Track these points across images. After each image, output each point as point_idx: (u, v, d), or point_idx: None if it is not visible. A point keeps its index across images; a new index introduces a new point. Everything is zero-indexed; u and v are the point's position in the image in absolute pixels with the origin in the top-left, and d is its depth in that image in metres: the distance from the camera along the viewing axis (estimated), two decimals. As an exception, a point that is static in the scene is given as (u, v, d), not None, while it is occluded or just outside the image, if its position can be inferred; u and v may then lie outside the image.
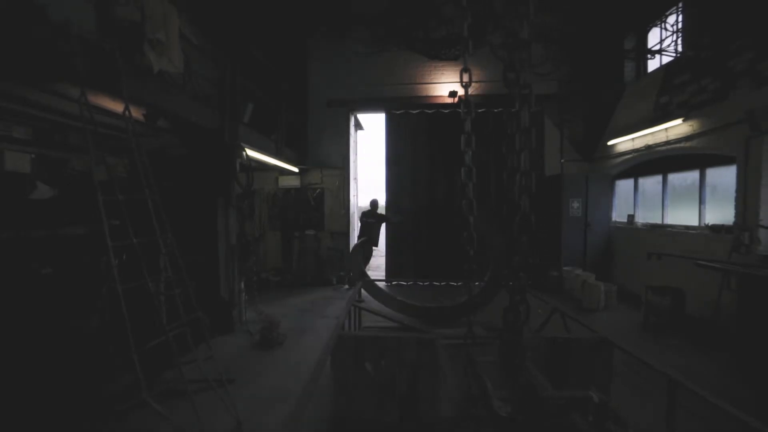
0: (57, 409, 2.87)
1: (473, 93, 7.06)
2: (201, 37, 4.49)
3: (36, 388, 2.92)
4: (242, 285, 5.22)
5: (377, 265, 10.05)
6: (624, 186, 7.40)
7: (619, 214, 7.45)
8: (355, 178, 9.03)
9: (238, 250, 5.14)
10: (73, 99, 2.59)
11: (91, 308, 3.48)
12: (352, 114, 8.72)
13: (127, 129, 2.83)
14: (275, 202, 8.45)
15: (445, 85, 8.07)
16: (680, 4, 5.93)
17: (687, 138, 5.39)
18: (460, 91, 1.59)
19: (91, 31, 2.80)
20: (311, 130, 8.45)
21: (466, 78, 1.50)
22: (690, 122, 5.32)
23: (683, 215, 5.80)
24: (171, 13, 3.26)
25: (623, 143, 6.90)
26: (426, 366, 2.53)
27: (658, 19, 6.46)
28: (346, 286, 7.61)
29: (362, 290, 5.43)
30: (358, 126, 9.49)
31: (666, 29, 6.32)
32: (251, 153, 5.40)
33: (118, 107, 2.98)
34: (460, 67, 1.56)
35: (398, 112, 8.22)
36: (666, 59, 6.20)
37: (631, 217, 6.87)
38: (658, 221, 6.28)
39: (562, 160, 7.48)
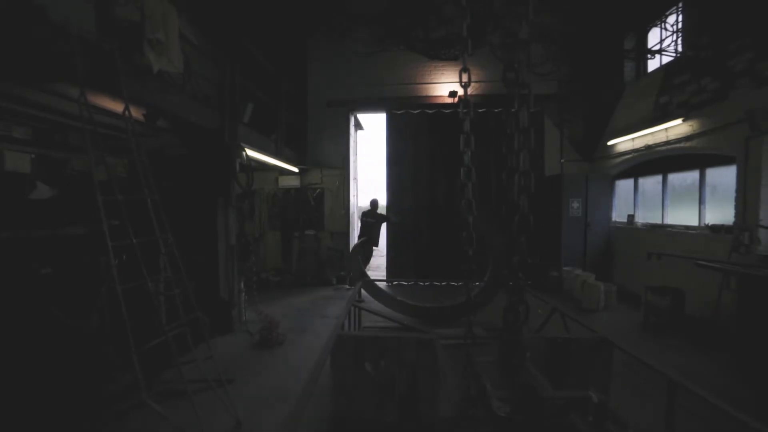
0: (57, 409, 2.87)
1: (473, 93, 7.06)
2: (201, 37, 4.49)
3: (36, 388, 2.92)
4: (242, 285, 5.22)
5: (377, 265, 10.05)
6: (624, 186, 7.39)
7: (619, 214, 7.45)
8: (355, 178, 9.03)
9: (238, 250, 5.14)
10: (73, 99, 2.59)
11: (90, 308, 3.48)
12: (352, 114, 8.72)
13: (127, 129, 2.83)
14: (275, 202, 8.45)
15: (445, 85, 8.07)
16: (680, 4, 5.93)
17: (687, 138, 5.39)
18: (460, 91, 1.59)
19: (91, 31, 2.80)
20: (311, 130, 8.45)
21: (465, 78, 1.50)
22: (690, 122, 5.32)
23: (683, 215, 5.79)
24: (170, 13, 3.26)
25: (623, 143, 6.90)
26: (426, 366, 2.53)
27: (658, 19, 6.46)
28: (347, 286, 7.60)
29: (362, 290, 5.42)
30: (358, 126, 9.49)
31: (666, 29, 6.32)
32: (251, 153, 5.40)
33: (117, 107, 2.98)
34: (459, 67, 1.56)
35: (399, 112, 8.21)
36: (666, 59, 6.19)
37: (631, 217, 6.87)
38: (658, 221, 6.28)
39: (562, 160, 7.48)
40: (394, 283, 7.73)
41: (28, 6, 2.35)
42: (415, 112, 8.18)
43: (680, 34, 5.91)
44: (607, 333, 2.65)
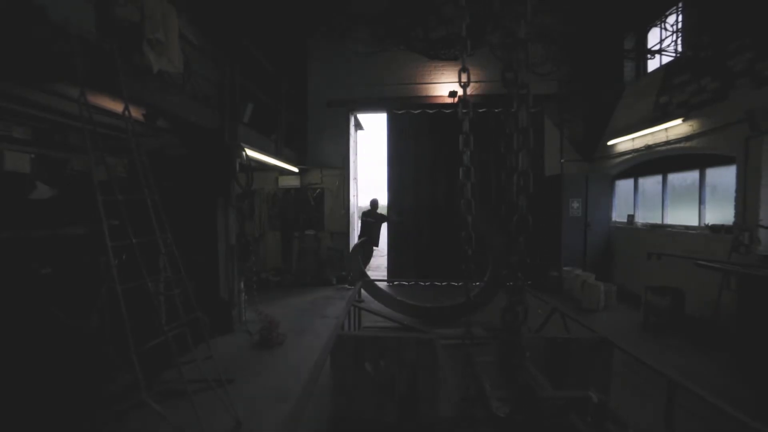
0: (57, 409, 2.87)
1: (473, 93, 7.06)
2: (201, 37, 4.49)
3: (36, 388, 2.92)
4: (242, 285, 5.22)
5: (377, 265, 10.06)
6: (624, 186, 7.39)
7: (619, 214, 7.45)
8: (355, 178, 9.04)
9: (238, 250, 5.14)
10: (73, 99, 2.59)
11: (90, 308, 3.48)
12: (352, 114, 8.72)
13: (127, 129, 2.83)
14: (275, 202, 8.45)
15: (445, 85, 8.08)
16: (680, 4, 5.93)
17: (687, 138, 5.39)
18: (460, 91, 1.59)
19: (91, 31, 2.80)
20: (311, 130, 8.45)
21: (464, 78, 1.50)
22: (690, 122, 5.32)
23: (683, 215, 5.79)
24: (170, 13, 3.26)
25: (623, 143, 6.90)
26: (426, 366, 2.53)
27: (658, 19, 6.46)
28: (347, 286, 7.60)
29: (362, 290, 5.42)
30: (358, 126, 9.49)
31: (666, 29, 6.32)
32: (251, 153, 5.40)
33: (117, 107, 2.98)
34: (459, 67, 1.56)
35: (400, 112, 8.21)
36: (666, 59, 6.19)
37: (631, 217, 6.87)
38: (658, 221, 6.27)
39: (562, 160, 7.48)
40: (395, 283, 7.73)
41: (28, 6, 2.36)
42: (415, 112, 8.18)
43: (680, 34, 5.91)
44: (607, 333, 2.65)
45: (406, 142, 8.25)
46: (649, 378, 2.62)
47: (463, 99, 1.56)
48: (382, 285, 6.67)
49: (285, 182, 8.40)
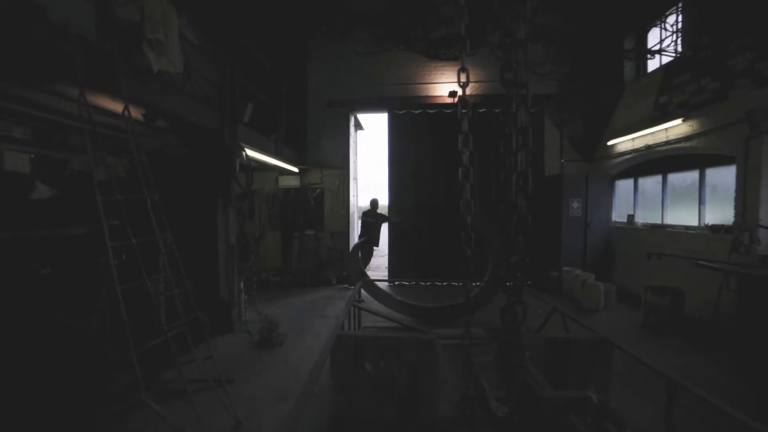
0: (57, 409, 2.87)
1: (473, 93, 7.04)
2: (201, 37, 4.49)
3: (36, 388, 2.92)
4: (242, 285, 5.22)
5: (377, 265, 10.06)
6: (624, 186, 7.39)
7: (619, 214, 7.45)
8: (355, 178, 9.04)
9: (238, 250, 5.14)
10: (73, 99, 2.59)
11: (90, 308, 3.48)
12: (352, 114, 8.72)
13: (127, 129, 2.83)
14: (275, 202, 8.45)
15: (446, 85, 8.08)
16: (680, 4, 5.93)
17: (687, 138, 5.39)
18: (460, 91, 1.59)
19: (91, 31, 2.80)
20: (311, 130, 8.45)
21: (463, 78, 1.50)
22: (690, 122, 5.32)
23: (683, 215, 5.79)
24: (170, 13, 3.26)
25: (623, 143, 6.90)
26: (425, 366, 2.53)
27: (658, 19, 6.46)
28: (347, 286, 7.60)
29: (362, 290, 5.43)
30: (358, 126, 9.50)
31: (666, 29, 6.32)
32: (251, 153, 5.40)
33: (117, 107, 2.98)
34: (459, 67, 1.56)
35: (401, 112, 8.21)
36: (666, 59, 6.19)
37: (630, 217, 6.87)
38: (658, 221, 6.27)
39: (562, 160, 7.48)
40: (396, 283, 7.73)
41: (28, 6, 2.36)
42: (416, 112, 8.18)
43: (680, 34, 5.91)
44: (607, 333, 2.65)
45: (406, 142, 8.25)
46: (649, 378, 2.62)
47: (463, 99, 1.56)
48: (383, 285, 6.68)
49: (285, 182, 8.40)
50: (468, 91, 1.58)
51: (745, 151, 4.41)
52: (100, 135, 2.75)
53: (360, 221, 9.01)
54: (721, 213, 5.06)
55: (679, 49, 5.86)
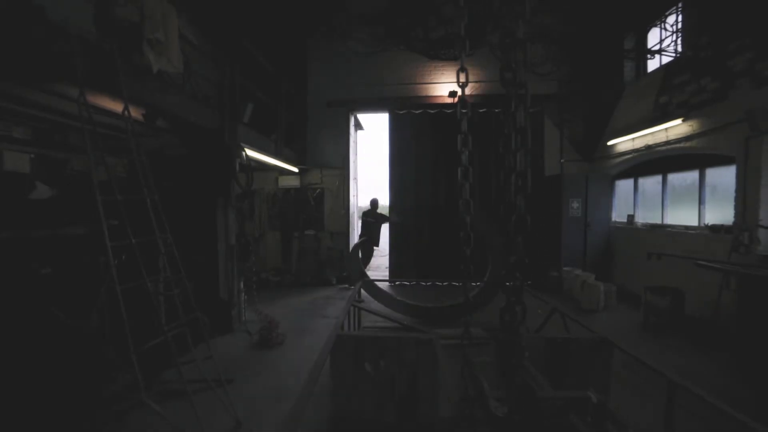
0: (57, 409, 2.87)
1: (473, 93, 7.03)
2: (201, 37, 4.49)
3: (36, 388, 2.92)
4: (242, 285, 5.22)
5: (377, 265, 10.06)
6: (624, 186, 7.39)
7: (618, 214, 7.45)
8: (355, 178, 9.04)
9: (238, 250, 5.14)
10: (73, 99, 2.59)
11: (90, 308, 3.48)
12: (352, 114, 8.72)
13: (127, 129, 2.83)
14: (275, 202, 8.45)
15: (446, 85, 8.08)
16: (680, 4, 5.93)
17: (687, 138, 5.39)
18: (460, 92, 1.59)
19: (91, 31, 2.80)
20: (311, 130, 8.45)
21: (462, 78, 1.50)
22: (690, 122, 5.32)
23: (683, 215, 5.79)
24: (170, 13, 3.26)
25: (623, 143, 6.90)
26: (425, 366, 2.53)
27: (658, 19, 6.46)
28: (347, 286, 7.60)
29: (362, 290, 5.42)
30: (358, 126, 9.50)
31: (666, 29, 6.32)
32: (251, 153, 5.40)
33: (117, 107, 2.98)
34: (458, 67, 1.56)
35: (401, 112, 8.21)
36: (666, 59, 6.19)
37: (630, 217, 6.87)
38: (658, 221, 6.27)
39: (562, 160, 7.48)
40: (396, 283, 7.73)
41: (28, 6, 2.36)
42: (417, 112, 8.18)
43: (680, 34, 5.91)
44: (607, 333, 2.65)
45: (407, 141, 8.25)
46: (649, 378, 2.62)
47: (462, 99, 1.56)
48: (384, 285, 6.67)
49: (285, 182, 8.40)
50: (468, 91, 1.58)
51: (745, 151, 4.41)
52: (100, 135, 2.75)
53: (360, 221, 9.01)
54: (721, 213, 5.06)
55: (679, 49, 5.86)
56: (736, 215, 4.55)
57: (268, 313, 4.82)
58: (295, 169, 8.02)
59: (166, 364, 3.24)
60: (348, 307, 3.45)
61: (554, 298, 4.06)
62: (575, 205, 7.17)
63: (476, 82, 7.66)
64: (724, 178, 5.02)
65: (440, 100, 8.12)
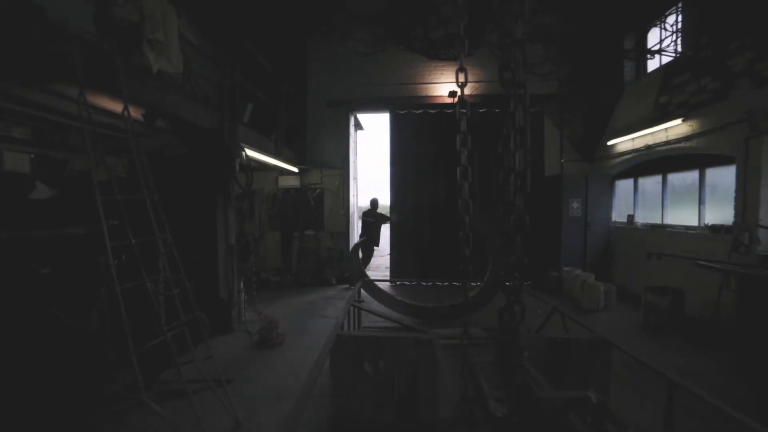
0: (57, 409, 2.87)
1: (473, 93, 7.01)
2: (200, 37, 4.49)
3: (36, 388, 2.92)
4: (241, 285, 5.22)
5: (377, 265, 10.06)
6: (624, 186, 7.39)
7: (618, 214, 7.45)
8: (355, 178, 9.04)
9: (238, 250, 5.14)
10: (73, 99, 2.59)
11: (90, 308, 3.48)
12: (352, 114, 8.72)
13: (126, 129, 2.84)
14: (275, 202, 8.46)
15: (446, 85, 8.08)
16: (680, 4, 5.93)
17: (687, 138, 5.39)
18: (460, 92, 1.59)
19: (90, 31, 2.80)
20: (311, 130, 8.45)
21: (461, 78, 1.50)
22: (689, 122, 5.32)
23: (683, 215, 5.79)
24: (170, 13, 3.26)
25: (623, 143, 6.90)
26: (425, 366, 2.53)
27: (658, 19, 6.46)
28: (347, 286, 7.60)
29: (362, 290, 5.42)
30: (358, 126, 9.50)
31: (666, 29, 6.32)
32: (251, 153, 5.40)
33: (117, 107, 2.98)
34: (458, 67, 1.56)
35: (402, 112, 8.21)
36: (666, 59, 6.19)
37: (630, 217, 6.87)
38: (658, 221, 6.27)
39: (562, 160, 7.48)
40: (397, 283, 7.73)
41: (28, 6, 2.36)
42: (417, 112, 8.18)
43: (680, 34, 5.91)
44: (607, 333, 2.65)
45: (408, 141, 8.25)
46: (649, 378, 2.62)
47: (461, 99, 1.56)
48: (384, 285, 6.67)
49: (285, 182, 8.40)
50: (468, 91, 1.58)
51: (745, 151, 4.41)
52: (100, 135, 2.75)
53: (360, 221, 9.01)
54: (721, 213, 5.06)
55: (679, 49, 5.86)
56: (736, 215, 4.55)
57: (268, 313, 4.82)
58: (295, 169, 8.02)
59: (165, 364, 3.24)
60: (348, 307, 3.45)
61: (554, 298, 4.06)
62: (575, 205, 7.17)
63: (476, 82, 7.66)
64: (724, 178, 5.02)
65: (440, 100, 8.12)
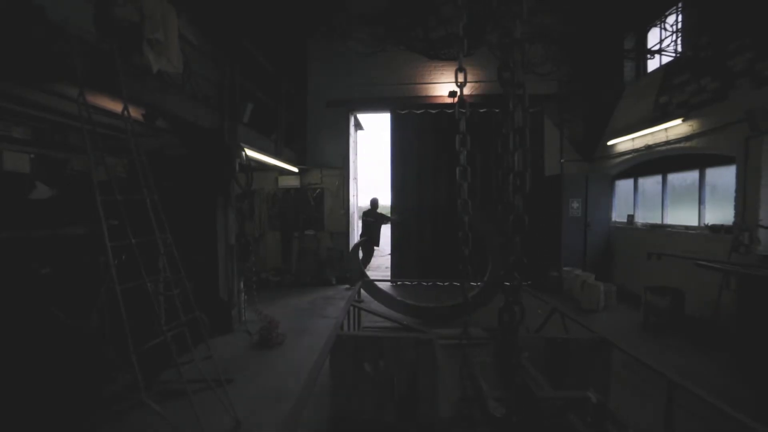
0: (57, 409, 2.87)
1: (474, 93, 7.01)
2: (200, 37, 4.49)
3: (36, 387, 2.92)
4: (241, 285, 5.22)
5: (377, 265, 10.06)
6: (624, 186, 7.39)
7: (618, 214, 7.45)
8: (355, 178, 9.04)
9: (238, 250, 5.14)
10: (73, 99, 2.59)
11: (90, 308, 3.48)
12: (352, 114, 8.72)
13: (126, 129, 2.84)
14: (275, 202, 8.46)
15: (446, 85, 8.08)
16: (680, 4, 5.93)
17: (687, 138, 5.38)
18: (459, 92, 1.59)
19: (90, 31, 2.80)
20: (311, 130, 8.45)
21: (461, 78, 1.50)
22: (689, 122, 5.32)
23: (683, 215, 5.79)
24: (170, 13, 3.26)
25: (623, 143, 6.90)
26: (425, 366, 2.53)
27: (658, 19, 6.46)
28: (347, 286, 7.60)
29: (362, 290, 5.42)
30: (358, 126, 9.50)
31: (666, 29, 6.32)
32: (251, 153, 5.40)
33: (117, 107, 2.98)
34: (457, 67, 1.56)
35: (403, 112, 8.21)
36: (666, 59, 6.19)
37: (630, 217, 6.87)
38: (658, 221, 6.27)
39: (562, 160, 7.48)
40: (398, 283, 7.73)
41: (28, 6, 2.36)
42: (418, 112, 8.18)
43: (680, 34, 5.91)
44: (607, 333, 2.64)
45: (409, 141, 8.25)
46: (649, 378, 2.62)
47: (460, 99, 1.56)
48: (385, 285, 6.67)
49: (285, 182, 8.40)
50: (468, 91, 1.58)
51: (745, 151, 4.41)
52: (100, 135, 2.75)
53: (360, 221, 9.00)
54: (721, 213, 5.06)
55: (679, 49, 5.86)
56: (736, 215, 4.55)
57: (268, 313, 4.82)
58: (295, 169, 8.02)
59: (165, 364, 3.24)
60: (348, 307, 3.45)
61: (554, 298, 4.05)
62: (575, 205, 7.17)
63: (476, 82, 7.66)
64: (724, 178, 5.01)
65: (441, 100, 8.11)
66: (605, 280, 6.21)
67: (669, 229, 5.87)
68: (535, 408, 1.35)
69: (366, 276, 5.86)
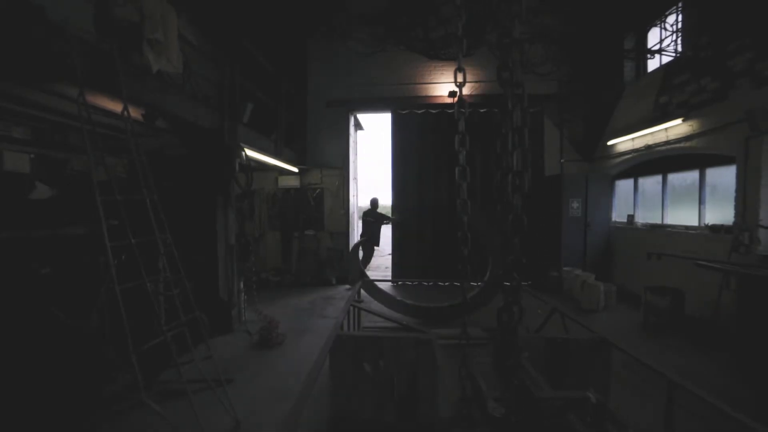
0: (57, 408, 2.87)
1: (474, 93, 7.00)
2: (200, 37, 4.50)
3: (36, 388, 2.92)
4: (241, 285, 5.22)
5: (377, 265, 10.06)
6: (624, 186, 7.39)
7: (618, 214, 7.45)
8: (355, 178, 9.04)
9: (238, 250, 5.14)
10: (73, 99, 2.59)
11: (90, 308, 3.48)
12: (352, 114, 8.72)
13: (126, 129, 2.84)
14: (275, 202, 8.46)
15: (446, 84, 8.08)
16: (680, 4, 5.93)
17: (687, 138, 5.38)
18: (459, 91, 1.59)
19: (90, 31, 2.80)
20: (311, 130, 8.45)
21: (460, 78, 1.50)
22: (690, 122, 5.32)
23: (683, 215, 5.79)
24: (169, 13, 3.26)
25: (623, 143, 6.89)
26: (425, 366, 2.53)
27: (658, 19, 6.46)
28: (347, 286, 7.60)
29: (362, 290, 5.42)
30: (358, 126, 9.50)
31: (666, 29, 6.31)
32: (251, 153, 5.40)
33: (116, 107, 2.98)
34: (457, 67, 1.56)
35: (404, 112, 8.21)
36: (666, 59, 6.19)
37: (630, 217, 6.86)
38: (658, 221, 6.27)
39: (562, 160, 7.48)
40: (399, 283, 7.73)
41: (28, 6, 2.36)
42: (419, 112, 8.18)
43: (680, 34, 5.91)
44: (607, 333, 2.64)
45: (410, 141, 8.25)
46: (649, 378, 2.62)
47: (459, 99, 1.56)
48: (385, 285, 6.66)
49: (285, 182, 8.40)
50: (468, 91, 1.58)
51: (745, 151, 4.41)
52: (100, 135, 2.75)
53: (360, 221, 9.00)
54: (721, 213, 5.06)
55: (679, 49, 5.86)
56: (736, 215, 4.54)
57: (268, 313, 4.82)
58: (295, 169, 8.02)
59: (165, 364, 3.24)
60: (347, 307, 3.45)
61: (554, 298, 4.06)
62: (575, 205, 7.17)
63: (476, 82, 7.66)
64: (724, 178, 5.01)
65: (441, 100, 8.11)
66: (605, 280, 6.20)
67: (669, 229, 5.87)
68: (534, 408, 1.35)
69: (366, 276, 5.86)
